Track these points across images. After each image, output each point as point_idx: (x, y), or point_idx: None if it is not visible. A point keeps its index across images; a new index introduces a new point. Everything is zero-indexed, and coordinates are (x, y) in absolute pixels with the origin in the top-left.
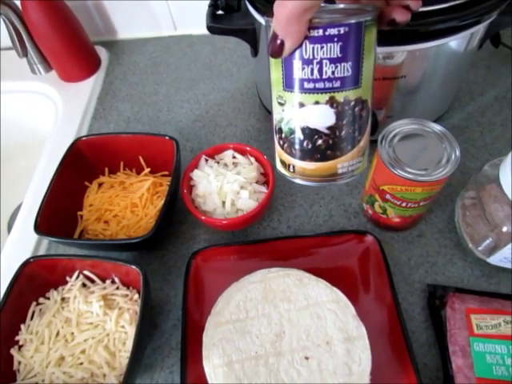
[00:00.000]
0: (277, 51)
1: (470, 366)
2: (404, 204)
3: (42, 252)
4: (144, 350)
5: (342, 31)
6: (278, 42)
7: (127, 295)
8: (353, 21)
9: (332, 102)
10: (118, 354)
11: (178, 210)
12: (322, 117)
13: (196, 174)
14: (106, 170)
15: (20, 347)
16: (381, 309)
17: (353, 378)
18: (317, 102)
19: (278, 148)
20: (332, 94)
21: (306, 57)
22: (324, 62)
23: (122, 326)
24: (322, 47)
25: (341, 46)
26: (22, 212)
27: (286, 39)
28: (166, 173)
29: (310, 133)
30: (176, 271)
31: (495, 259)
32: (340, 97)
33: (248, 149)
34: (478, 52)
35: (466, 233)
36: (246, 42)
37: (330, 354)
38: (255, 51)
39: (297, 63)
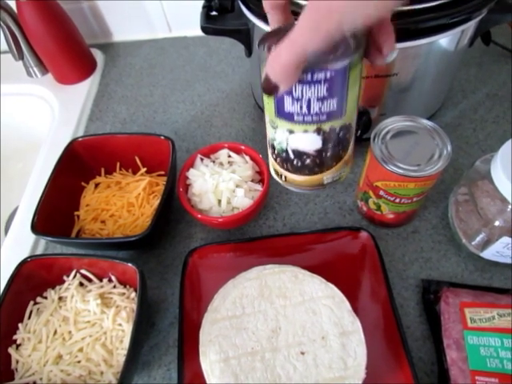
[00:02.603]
0: (270, 91)
1: (464, 359)
2: (398, 200)
3: (39, 252)
4: (141, 347)
5: (328, 75)
6: (272, 84)
7: (124, 293)
8: (339, 66)
9: (319, 131)
10: (115, 352)
11: (174, 208)
12: (310, 142)
13: (192, 173)
14: (103, 170)
15: (18, 346)
16: (376, 304)
17: (348, 372)
18: (305, 131)
19: (271, 159)
20: (319, 124)
21: (295, 95)
22: (312, 99)
23: (119, 324)
24: (309, 88)
25: (327, 87)
26: (19, 212)
27: (280, 84)
28: (162, 172)
29: (300, 154)
30: (173, 269)
31: (488, 253)
32: (326, 126)
33: (243, 148)
34: (470, 50)
35: (459, 228)
36: (240, 43)
37: (326, 349)
38: (249, 51)
39: (287, 99)
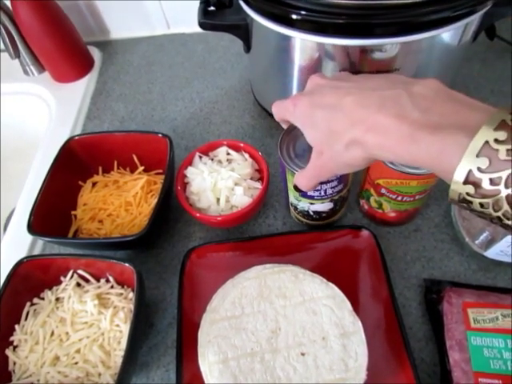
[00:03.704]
0: (300, 191)
1: (467, 361)
2: (399, 198)
3: (37, 252)
4: (139, 348)
5: (339, 175)
6: (299, 189)
7: (122, 294)
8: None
9: (331, 200)
10: (112, 353)
11: (172, 207)
12: (325, 206)
13: (190, 171)
14: (100, 169)
15: (15, 348)
16: (377, 304)
17: (349, 373)
18: (323, 202)
19: (293, 212)
20: (331, 197)
21: (316, 188)
22: (327, 189)
23: (117, 325)
24: (325, 184)
25: (338, 180)
26: (16, 212)
27: (305, 190)
28: (161, 171)
29: (318, 212)
30: (172, 269)
31: (492, 253)
32: (336, 197)
33: (242, 145)
34: (474, 45)
35: (462, 227)
36: (239, 38)
37: (326, 350)
38: (248, 47)
39: (310, 191)
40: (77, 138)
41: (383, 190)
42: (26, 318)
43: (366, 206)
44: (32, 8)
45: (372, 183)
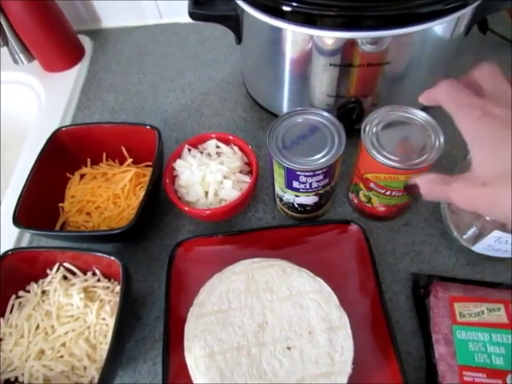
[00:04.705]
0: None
1: (452, 354)
2: (388, 192)
3: (24, 245)
4: (126, 342)
5: (325, 169)
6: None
7: (108, 287)
8: (332, 161)
9: (317, 194)
10: (98, 347)
11: (162, 200)
12: (310, 199)
13: (179, 164)
14: (89, 160)
15: None
16: (365, 298)
17: (335, 367)
18: (307, 195)
19: (279, 203)
20: (317, 191)
21: (302, 180)
22: (312, 182)
23: (103, 319)
24: (312, 177)
25: (323, 174)
26: (3, 204)
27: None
28: (150, 163)
29: (303, 205)
30: (160, 263)
31: (480, 247)
32: (322, 191)
33: (231, 138)
34: (467, 39)
35: (451, 221)
36: (230, 29)
37: (313, 344)
38: (239, 38)
39: (295, 182)
40: (64, 129)
41: (372, 185)
42: (11, 311)
43: (355, 201)
44: None
45: (361, 178)
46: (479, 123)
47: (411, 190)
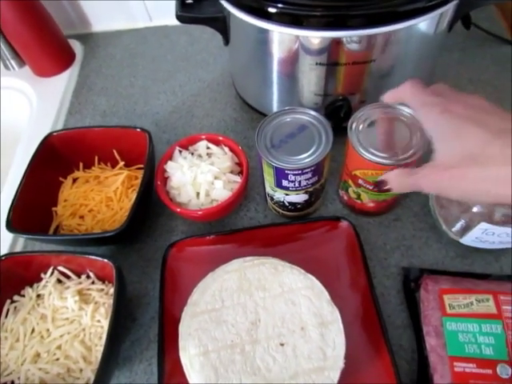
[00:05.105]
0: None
1: (442, 346)
2: (376, 189)
3: (18, 249)
4: (121, 343)
5: (313, 167)
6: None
7: (103, 289)
8: (320, 159)
9: (306, 192)
10: (94, 349)
11: (154, 202)
12: (300, 197)
13: (170, 166)
14: (81, 164)
15: None
16: (356, 293)
17: (327, 362)
18: (297, 193)
19: (270, 202)
20: (306, 189)
21: (290, 179)
22: (302, 180)
23: (98, 321)
24: (300, 176)
25: (312, 172)
26: None
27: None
28: (141, 166)
29: (293, 203)
30: (154, 263)
31: (467, 240)
32: (311, 189)
33: (221, 138)
34: (453, 35)
35: (440, 215)
36: (217, 31)
37: (305, 340)
38: (226, 40)
39: (284, 181)
40: (56, 133)
41: (360, 181)
42: (6, 316)
43: (345, 197)
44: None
45: (350, 174)
46: (441, 117)
47: (381, 187)
